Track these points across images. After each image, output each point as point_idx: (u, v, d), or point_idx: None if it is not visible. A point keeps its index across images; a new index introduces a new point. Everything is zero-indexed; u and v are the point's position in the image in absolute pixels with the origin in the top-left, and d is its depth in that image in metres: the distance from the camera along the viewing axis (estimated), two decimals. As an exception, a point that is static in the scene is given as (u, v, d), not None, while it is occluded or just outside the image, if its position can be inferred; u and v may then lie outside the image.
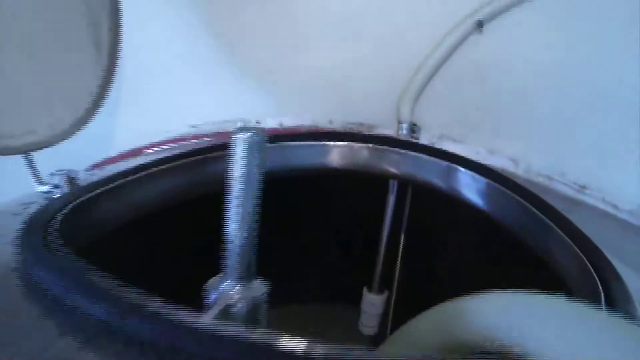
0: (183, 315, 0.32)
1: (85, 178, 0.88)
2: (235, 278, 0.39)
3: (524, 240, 0.69)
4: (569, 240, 0.62)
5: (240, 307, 0.39)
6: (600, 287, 0.58)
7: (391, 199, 0.88)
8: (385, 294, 0.98)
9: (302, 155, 0.79)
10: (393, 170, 0.81)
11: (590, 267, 0.60)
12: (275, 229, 0.96)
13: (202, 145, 0.83)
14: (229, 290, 0.40)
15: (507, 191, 0.71)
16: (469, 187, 0.75)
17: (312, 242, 0.98)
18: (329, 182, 0.93)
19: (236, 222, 0.38)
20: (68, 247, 0.41)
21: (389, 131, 0.88)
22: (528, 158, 0.82)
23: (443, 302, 0.46)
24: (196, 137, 0.94)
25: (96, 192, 0.59)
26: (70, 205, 0.53)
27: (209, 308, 0.39)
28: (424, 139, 0.86)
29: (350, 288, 1.00)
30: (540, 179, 0.81)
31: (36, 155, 0.69)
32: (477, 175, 0.74)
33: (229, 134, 1.00)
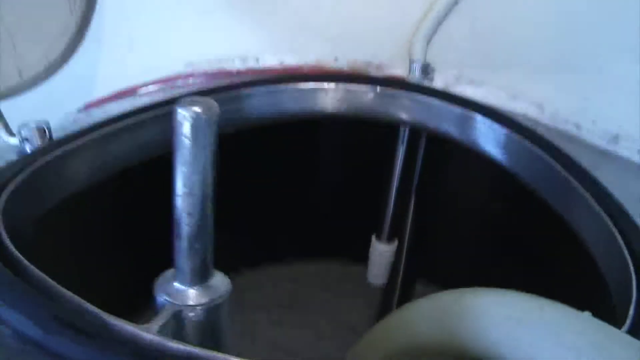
0: (121, 328, 0.27)
1: (75, 120, 0.83)
2: (187, 278, 0.34)
3: (544, 198, 0.62)
4: (594, 202, 0.55)
5: (193, 315, 0.34)
6: (629, 258, 0.51)
7: (401, 148, 0.81)
8: (395, 243, 0.92)
9: (300, 98, 0.72)
10: (402, 116, 0.74)
11: (617, 234, 0.53)
12: (279, 181, 0.90)
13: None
14: (179, 293, 0.34)
15: (528, 143, 0.63)
16: (486, 137, 0.67)
17: (316, 194, 0.92)
18: (336, 127, 0.86)
19: (184, 214, 0.32)
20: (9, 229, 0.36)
21: (400, 71, 0.79)
22: (555, 103, 0.73)
23: (426, 297, 0.41)
24: (191, 76, 0.87)
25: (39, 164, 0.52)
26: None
27: (157, 312, 0.33)
28: (438, 81, 0.77)
29: (358, 240, 0.95)
30: (567, 127, 0.72)
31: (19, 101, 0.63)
32: (495, 125, 0.66)
33: (226, 73, 0.93)
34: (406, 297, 1.01)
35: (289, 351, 1.23)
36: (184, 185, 0.31)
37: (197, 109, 0.30)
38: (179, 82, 0.90)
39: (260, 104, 0.72)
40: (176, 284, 0.34)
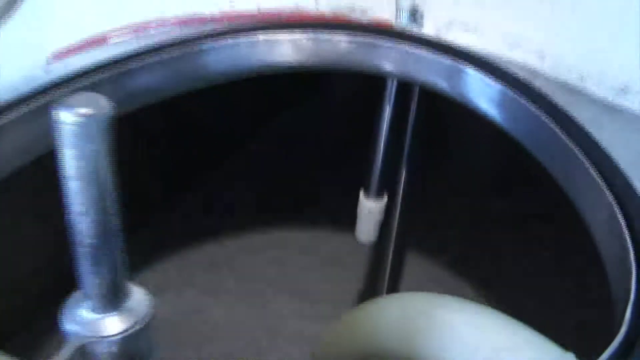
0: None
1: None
2: (95, 304, 0.29)
3: (541, 161, 0.56)
4: (593, 171, 0.49)
5: (104, 347, 0.29)
6: (627, 235, 0.46)
7: (388, 101, 0.75)
8: (384, 200, 0.88)
9: (273, 50, 0.65)
10: (387, 68, 0.67)
11: (617, 208, 0.47)
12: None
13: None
14: (86, 321, 0.29)
15: (523, 101, 0.56)
16: (478, 92, 0.60)
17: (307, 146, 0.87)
18: (324, 78, 0.79)
19: (82, 234, 0.27)
20: None
21: (387, 16, 0.71)
22: (557, 49, 0.66)
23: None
24: (162, 24, 0.80)
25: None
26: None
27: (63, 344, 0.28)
28: (428, 27, 0.69)
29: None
30: (570, 78, 0.65)
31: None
32: (487, 78, 0.59)
33: (199, 20, 0.86)
34: (400, 256, 0.98)
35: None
36: (77, 204, 0.26)
37: (82, 110, 0.24)
38: (152, 31, 0.83)
39: (232, 56, 0.66)
40: (83, 311, 0.29)
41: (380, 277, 0.99)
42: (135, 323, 0.30)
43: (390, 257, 0.98)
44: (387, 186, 0.87)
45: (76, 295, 0.30)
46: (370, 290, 1.34)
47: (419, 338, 0.31)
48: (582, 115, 0.56)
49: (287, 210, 1.76)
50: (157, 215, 1.71)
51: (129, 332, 0.29)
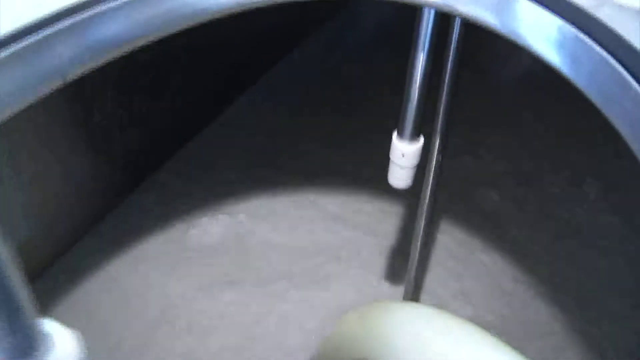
0: None
1: None
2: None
3: (608, 116, 0.47)
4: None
5: None
6: None
7: (424, 33, 0.65)
8: (420, 142, 0.79)
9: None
10: (423, -2, 0.56)
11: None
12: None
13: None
14: None
15: (589, 41, 0.46)
16: (532, 29, 0.50)
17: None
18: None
19: None
20: None
21: None
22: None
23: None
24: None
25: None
26: None
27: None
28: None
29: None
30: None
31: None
32: (544, 11, 0.49)
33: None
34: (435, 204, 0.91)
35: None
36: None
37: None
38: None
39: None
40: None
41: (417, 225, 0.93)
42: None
43: (427, 204, 0.91)
44: (423, 127, 0.79)
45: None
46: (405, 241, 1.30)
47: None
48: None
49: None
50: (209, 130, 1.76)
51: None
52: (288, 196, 1.55)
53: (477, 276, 1.36)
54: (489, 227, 1.48)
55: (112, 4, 0.42)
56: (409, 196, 1.36)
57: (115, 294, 1.29)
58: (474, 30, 0.61)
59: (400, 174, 0.81)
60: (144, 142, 1.57)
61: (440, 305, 1.29)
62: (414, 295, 1.12)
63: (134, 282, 1.32)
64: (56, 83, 0.38)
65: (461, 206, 1.53)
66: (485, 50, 2.15)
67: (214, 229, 1.45)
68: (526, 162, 1.69)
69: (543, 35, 0.49)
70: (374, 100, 1.89)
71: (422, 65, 0.71)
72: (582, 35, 0.46)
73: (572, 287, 1.34)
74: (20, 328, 0.21)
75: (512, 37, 0.52)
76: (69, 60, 0.37)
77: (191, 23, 0.48)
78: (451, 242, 1.44)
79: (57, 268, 1.32)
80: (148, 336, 1.21)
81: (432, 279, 1.35)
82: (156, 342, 1.20)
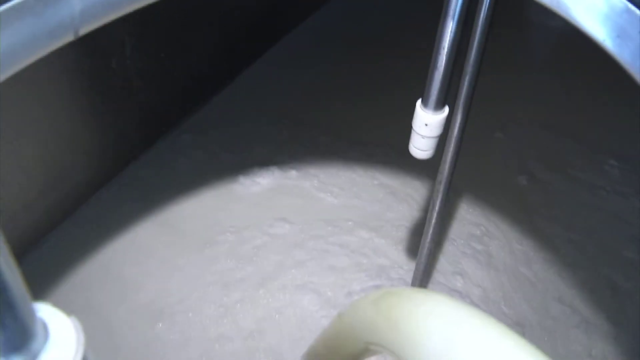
0: None
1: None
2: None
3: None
4: None
5: None
6: None
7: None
8: (444, 112, 0.77)
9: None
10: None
11: None
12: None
13: None
14: None
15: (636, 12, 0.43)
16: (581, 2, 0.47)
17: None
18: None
19: None
20: None
21: None
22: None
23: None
24: None
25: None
26: None
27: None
28: None
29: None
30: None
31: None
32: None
33: None
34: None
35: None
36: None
37: None
38: None
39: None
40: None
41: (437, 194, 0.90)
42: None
43: (446, 174, 0.89)
44: (448, 96, 0.76)
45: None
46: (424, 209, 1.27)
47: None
48: None
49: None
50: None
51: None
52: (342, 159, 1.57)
53: (489, 258, 1.35)
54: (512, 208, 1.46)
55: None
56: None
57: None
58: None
59: (422, 144, 0.79)
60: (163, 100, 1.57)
61: (449, 287, 1.28)
62: (424, 274, 1.11)
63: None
64: (67, 37, 0.37)
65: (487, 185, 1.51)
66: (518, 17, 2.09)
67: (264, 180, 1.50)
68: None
69: (586, 4, 0.45)
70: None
71: (451, 34, 0.68)
72: (632, 7, 0.42)
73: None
74: (14, 320, 0.20)
75: (551, 5, 0.49)
76: (81, 13, 0.35)
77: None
78: (470, 221, 1.43)
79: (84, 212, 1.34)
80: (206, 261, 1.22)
81: (446, 258, 1.34)
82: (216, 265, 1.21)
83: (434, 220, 0.98)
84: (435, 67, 0.72)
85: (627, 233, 1.39)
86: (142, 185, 1.46)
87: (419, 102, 0.77)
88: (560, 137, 1.67)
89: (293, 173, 1.52)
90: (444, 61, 0.71)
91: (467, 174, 1.43)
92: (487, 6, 0.73)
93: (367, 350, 0.39)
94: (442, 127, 0.78)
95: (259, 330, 1.16)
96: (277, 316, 1.19)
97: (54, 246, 1.28)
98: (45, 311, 0.22)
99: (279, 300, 1.22)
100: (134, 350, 1.12)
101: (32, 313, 0.20)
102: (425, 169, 1.47)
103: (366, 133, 1.66)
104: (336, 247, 1.33)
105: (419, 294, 0.30)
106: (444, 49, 0.70)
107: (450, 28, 0.67)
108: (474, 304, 1.24)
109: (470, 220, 1.43)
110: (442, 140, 0.81)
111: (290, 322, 1.19)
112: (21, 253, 1.22)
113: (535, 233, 1.40)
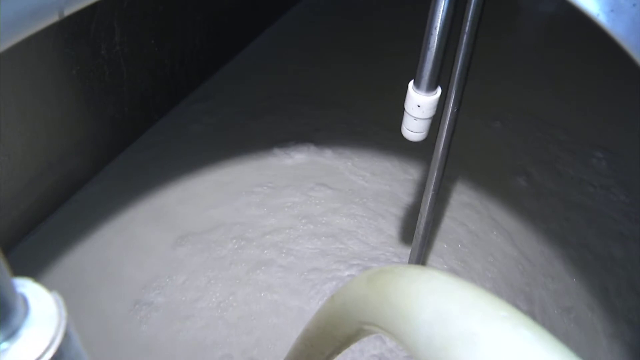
0: None
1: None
2: None
3: None
4: None
5: None
6: None
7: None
8: (436, 94, 0.76)
9: None
10: None
11: None
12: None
13: None
14: None
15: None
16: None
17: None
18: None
19: None
20: None
21: None
22: None
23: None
24: None
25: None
26: None
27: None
28: None
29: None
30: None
31: None
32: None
33: None
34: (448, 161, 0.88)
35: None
36: None
37: None
38: None
39: None
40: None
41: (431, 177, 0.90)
42: (46, 349, 0.20)
43: (439, 158, 0.88)
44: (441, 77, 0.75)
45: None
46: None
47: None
48: None
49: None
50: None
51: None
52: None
53: (485, 240, 1.35)
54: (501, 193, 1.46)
55: None
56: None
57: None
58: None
59: (414, 126, 0.78)
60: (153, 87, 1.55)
61: (446, 266, 1.28)
62: (420, 253, 1.11)
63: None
64: (52, 17, 0.36)
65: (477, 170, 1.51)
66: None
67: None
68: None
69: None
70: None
71: (442, 13, 0.67)
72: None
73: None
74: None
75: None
76: (65, -9, 0.34)
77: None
78: (465, 207, 1.43)
79: (96, 183, 1.33)
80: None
81: (442, 240, 1.34)
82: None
83: (428, 203, 0.98)
84: (427, 47, 0.71)
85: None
86: (136, 172, 1.45)
87: (411, 84, 0.77)
88: (546, 125, 1.66)
89: (329, 152, 1.52)
90: (435, 41, 0.70)
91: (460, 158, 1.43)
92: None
93: (361, 331, 0.38)
94: (434, 109, 0.77)
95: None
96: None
97: (45, 236, 1.27)
98: (25, 286, 0.22)
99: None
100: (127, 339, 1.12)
101: (11, 287, 0.20)
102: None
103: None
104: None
105: (412, 270, 0.30)
106: (435, 29, 0.69)
107: (442, 7, 0.66)
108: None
109: (464, 202, 1.43)
110: (436, 122, 0.81)
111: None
112: (11, 243, 1.21)
113: (525, 213, 1.40)
